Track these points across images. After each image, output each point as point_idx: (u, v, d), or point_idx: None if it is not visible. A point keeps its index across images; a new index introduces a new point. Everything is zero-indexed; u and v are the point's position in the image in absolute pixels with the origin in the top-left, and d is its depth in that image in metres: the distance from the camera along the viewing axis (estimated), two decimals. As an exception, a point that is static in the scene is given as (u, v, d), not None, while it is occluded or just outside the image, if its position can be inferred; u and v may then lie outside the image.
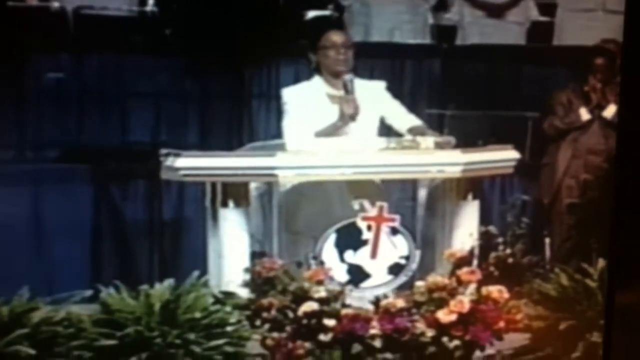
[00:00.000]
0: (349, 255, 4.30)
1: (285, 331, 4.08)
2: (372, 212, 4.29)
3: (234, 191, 4.27)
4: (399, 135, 4.59)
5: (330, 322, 4.09)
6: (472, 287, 4.24)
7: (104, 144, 4.96)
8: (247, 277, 4.18)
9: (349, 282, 4.27)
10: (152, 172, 4.45)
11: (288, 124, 4.54)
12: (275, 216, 4.42)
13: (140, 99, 5.09)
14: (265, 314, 4.09)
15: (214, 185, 4.27)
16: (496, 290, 4.23)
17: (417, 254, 4.35)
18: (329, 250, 4.27)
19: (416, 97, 5.23)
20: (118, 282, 4.06)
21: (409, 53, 5.54)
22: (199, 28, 5.05)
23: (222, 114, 5.17)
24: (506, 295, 4.25)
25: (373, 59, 5.20)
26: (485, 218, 4.53)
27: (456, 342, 4.14)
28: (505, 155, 4.54)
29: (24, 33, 4.77)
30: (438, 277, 4.25)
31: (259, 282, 4.16)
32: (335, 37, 4.62)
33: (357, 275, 4.30)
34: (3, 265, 4.14)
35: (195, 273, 4.13)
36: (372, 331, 4.11)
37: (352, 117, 4.48)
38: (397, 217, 4.31)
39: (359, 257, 4.31)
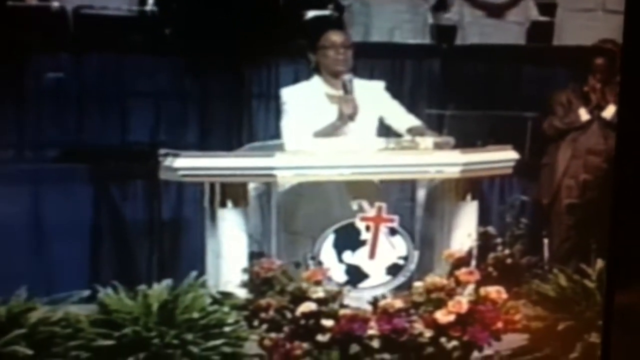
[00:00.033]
0: (348, 255, 4.29)
1: (283, 332, 4.08)
2: (371, 212, 4.29)
3: (232, 191, 4.27)
4: (398, 135, 4.58)
5: (328, 323, 4.08)
6: (470, 287, 4.24)
7: (103, 143, 4.95)
8: (245, 277, 4.18)
9: (347, 282, 4.27)
10: (151, 172, 4.46)
11: (287, 124, 4.54)
12: (273, 216, 4.42)
13: (139, 98, 5.08)
14: (263, 315, 4.09)
15: (212, 185, 4.27)
16: (494, 291, 4.23)
17: (416, 254, 4.35)
18: (327, 251, 4.27)
19: (416, 97, 5.23)
20: (116, 282, 4.06)
21: (409, 53, 5.54)
22: (199, 28, 5.05)
23: (222, 114, 5.17)
24: (504, 295, 4.25)
25: (373, 59, 5.20)
26: (484, 218, 4.53)
27: (454, 343, 4.14)
28: (504, 156, 4.53)
29: (23, 33, 4.77)
30: (436, 278, 4.25)
31: (257, 283, 4.16)
32: (335, 37, 4.61)
33: (356, 275, 4.30)
34: (1, 265, 4.14)
35: (194, 273, 4.12)
36: (370, 332, 4.11)
37: (351, 117, 4.48)
38: (395, 217, 4.31)
39: (358, 257, 4.30)
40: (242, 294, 4.15)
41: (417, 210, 4.60)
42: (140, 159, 4.71)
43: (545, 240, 4.96)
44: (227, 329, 4.01)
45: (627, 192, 3.51)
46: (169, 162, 4.28)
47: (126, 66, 5.07)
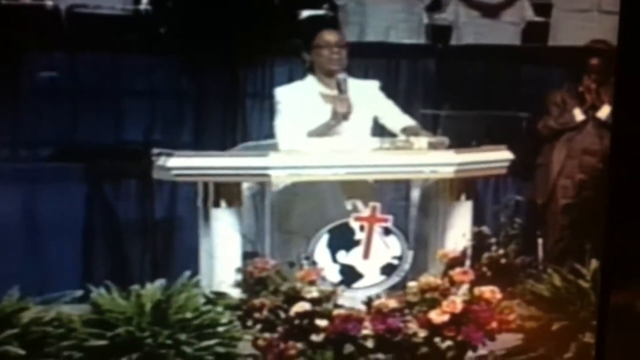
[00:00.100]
0: (342, 255, 4.29)
1: (277, 331, 4.08)
2: (365, 212, 4.29)
3: (226, 191, 4.26)
4: (392, 135, 4.58)
5: (322, 323, 4.08)
6: (464, 287, 4.24)
7: (96, 142, 4.94)
8: (239, 277, 4.17)
9: (342, 282, 4.27)
10: (145, 171, 4.44)
11: (280, 124, 4.53)
12: (267, 216, 4.41)
13: (133, 98, 5.07)
14: (257, 315, 4.08)
15: (206, 185, 4.26)
16: (489, 291, 4.23)
17: (410, 254, 4.34)
18: (321, 251, 4.26)
19: (410, 97, 5.21)
20: (109, 282, 4.05)
21: (404, 53, 5.53)
22: (193, 27, 5.04)
23: (215, 114, 5.15)
24: (499, 295, 4.25)
25: (367, 59, 5.19)
26: (478, 218, 4.53)
27: (448, 343, 4.14)
28: (499, 156, 4.54)
29: (17, 31, 4.75)
30: (430, 278, 4.25)
31: (251, 283, 4.15)
32: (329, 36, 4.60)
33: (350, 275, 4.29)
34: (-7, 264, 4.14)
35: (187, 273, 4.12)
36: (365, 331, 4.11)
37: (345, 117, 4.47)
38: (389, 217, 4.31)
39: (352, 257, 4.30)
40: (236, 294, 4.14)
41: (411, 210, 4.59)
42: (134, 158, 4.69)
43: (540, 240, 4.96)
44: (220, 329, 4.01)
45: (622, 192, 3.51)
46: (162, 161, 4.27)
47: (120, 65, 5.05)
